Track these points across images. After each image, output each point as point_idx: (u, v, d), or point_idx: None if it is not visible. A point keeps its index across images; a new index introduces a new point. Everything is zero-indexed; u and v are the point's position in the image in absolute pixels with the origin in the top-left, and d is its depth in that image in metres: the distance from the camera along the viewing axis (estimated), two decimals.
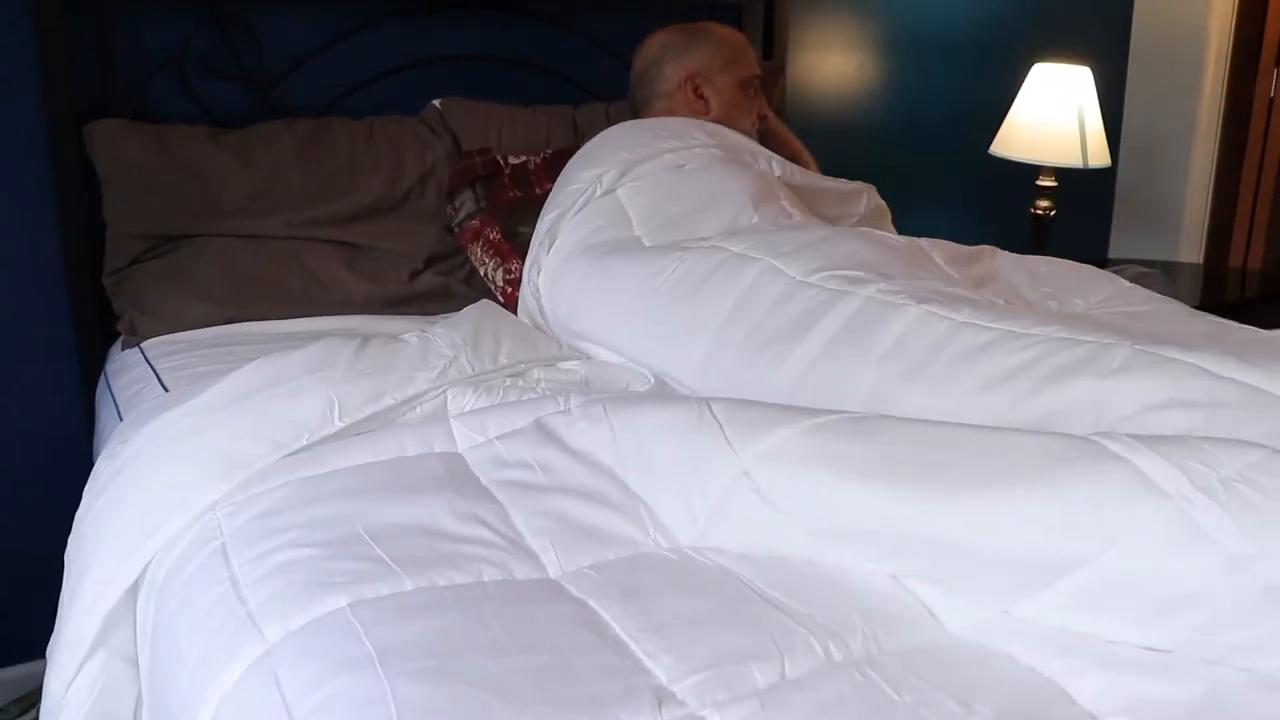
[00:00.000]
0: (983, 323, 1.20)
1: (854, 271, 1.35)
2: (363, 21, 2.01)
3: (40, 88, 1.76)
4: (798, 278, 1.36)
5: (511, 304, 1.78)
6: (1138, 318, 1.35)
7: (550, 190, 1.82)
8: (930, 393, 1.17)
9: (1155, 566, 0.86)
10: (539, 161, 1.94)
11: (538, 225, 1.71)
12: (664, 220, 1.63)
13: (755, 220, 1.58)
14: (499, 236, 1.83)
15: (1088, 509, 0.89)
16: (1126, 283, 1.49)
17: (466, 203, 1.88)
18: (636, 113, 1.96)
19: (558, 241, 1.66)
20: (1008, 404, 1.12)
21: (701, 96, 1.89)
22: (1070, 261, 1.57)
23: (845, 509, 0.99)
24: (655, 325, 1.44)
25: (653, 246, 1.57)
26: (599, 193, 1.69)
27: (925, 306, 1.24)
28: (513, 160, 1.92)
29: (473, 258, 1.87)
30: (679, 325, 1.41)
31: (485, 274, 1.84)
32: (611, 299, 1.51)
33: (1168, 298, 1.46)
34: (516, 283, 1.78)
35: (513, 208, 1.86)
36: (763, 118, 1.94)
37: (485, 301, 1.57)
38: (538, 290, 1.65)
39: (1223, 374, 1.04)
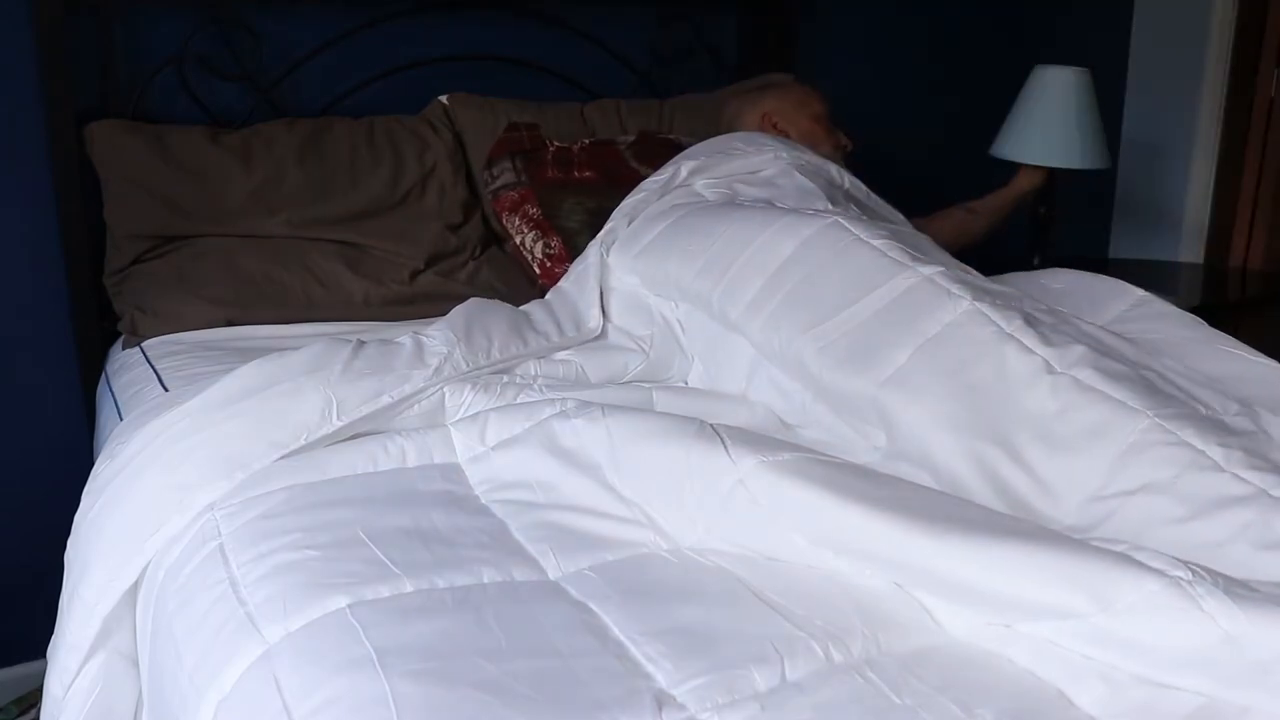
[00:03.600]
0: (1028, 343, 1.20)
1: (918, 252, 1.37)
2: (363, 21, 2.01)
3: (40, 88, 1.76)
4: (862, 236, 1.39)
5: (547, 276, 1.82)
6: (1151, 353, 1.35)
7: (590, 177, 1.89)
8: (951, 396, 1.18)
9: (1151, 632, 0.86)
10: (580, 147, 1.97)
11: (617, 210, 1.74)
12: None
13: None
14: (539, 213, 1.86)
15: (1084, 571, 0.88)
16: (1139, 293, 1.49)
17: (505, 172, 1.91)
18: None
19: (640, 216, 1.69)
20: (1020, 446, 1.12)
21: (780, 131, 1.98)
22: (1084, 274, 1.57)
23: (842, 529, 0.99)
24: (719, 261, 1.45)
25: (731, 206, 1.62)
26: (676, 184, 1.74)
27: (979, 304, 1.25)
28: (557, 143, 1.96)
29: (508, 226, 1.90)
30: (739, 264, 1.43)
31: (522, 244, 1.87)
32: (688, 241, 1.53)
33: (1180, 312, 1.45)
34: (556, 259, 1.82)
35: (552, 186, 1.89)
36: (844, 147, 2.02)
37: (474, 299, 1.58)
38: (607, 251, 1.66)
39: (1226, 468, 1.04)
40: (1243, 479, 1.03)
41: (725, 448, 1.07)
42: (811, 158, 1.80)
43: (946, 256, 1.45)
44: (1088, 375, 1.15)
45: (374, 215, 1.89)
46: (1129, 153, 3.04)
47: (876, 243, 1.37)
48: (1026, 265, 2.51)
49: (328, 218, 1.86)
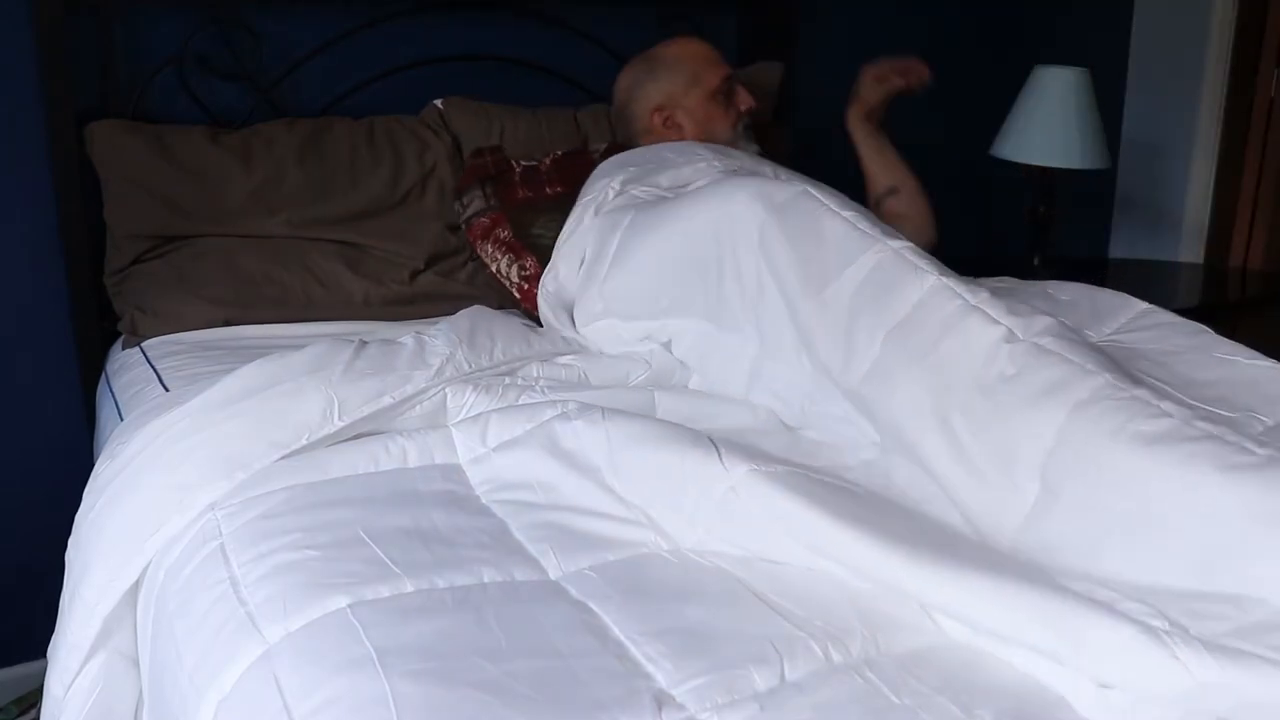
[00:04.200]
0: (993, 313, 1.20)
1: (882, 228, 1.38)
2: (363, 21, 2.01)
3: (40, 88, 1.76)
4: (833, 207, 1.39)
5: (528, 300, 1.79)
6: (1138, 358, 1.36)
7: (560, 192, 1.84)
8: (921, 379, 1.19)
9: (1125, 677, 0.86)
10: (549, 163, 1.95)
11: (560, 235, 1.72)
12: None
13: None
14: (510, 235, 1.83)
15: (1061, 617, 0.88)
16: (1143, 305, 1.49)
17: (475, 200, 1.88)
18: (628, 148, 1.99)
19: (582, 240, 1.66)
20: (983, 417, 1.12)
21: (674, 124, 1.91)
22: (1090, 287, 1.57)
23: (830, 542, 0.99)
24: (684, 258, 1.44)
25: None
26: (613, 195, 1.70)
27: (945, 279, 1.26)
28: (524, 162, 1.93)
29: (482, 255, 1.87)
30: (723, 251, 1.42)
31: (497, 270, 1.84)
32: (645, 245, 1.52)
33: (1184, 321, 1.45)
34: (533, 279, 1.79)
35: (524, 207, 1.86)
36: (747, 111, 1.93)
37: (478, 306, 1.58)
38: (558, 280, 1.65)
39: (1177, 416, 1.04)
40: (1195, 426, 1.03)
41: (719, 455, 1.08)
42: (745, 161, 1.77)
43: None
44: (1049, 342, 1.16)
45: (374, 215, 1.89)
46: (1129, 153, 3.04)
47: (846, 214, 1.37)
48: (1027, 265, 2.52)
49: (328, 218, 1.86)
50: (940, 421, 1.15)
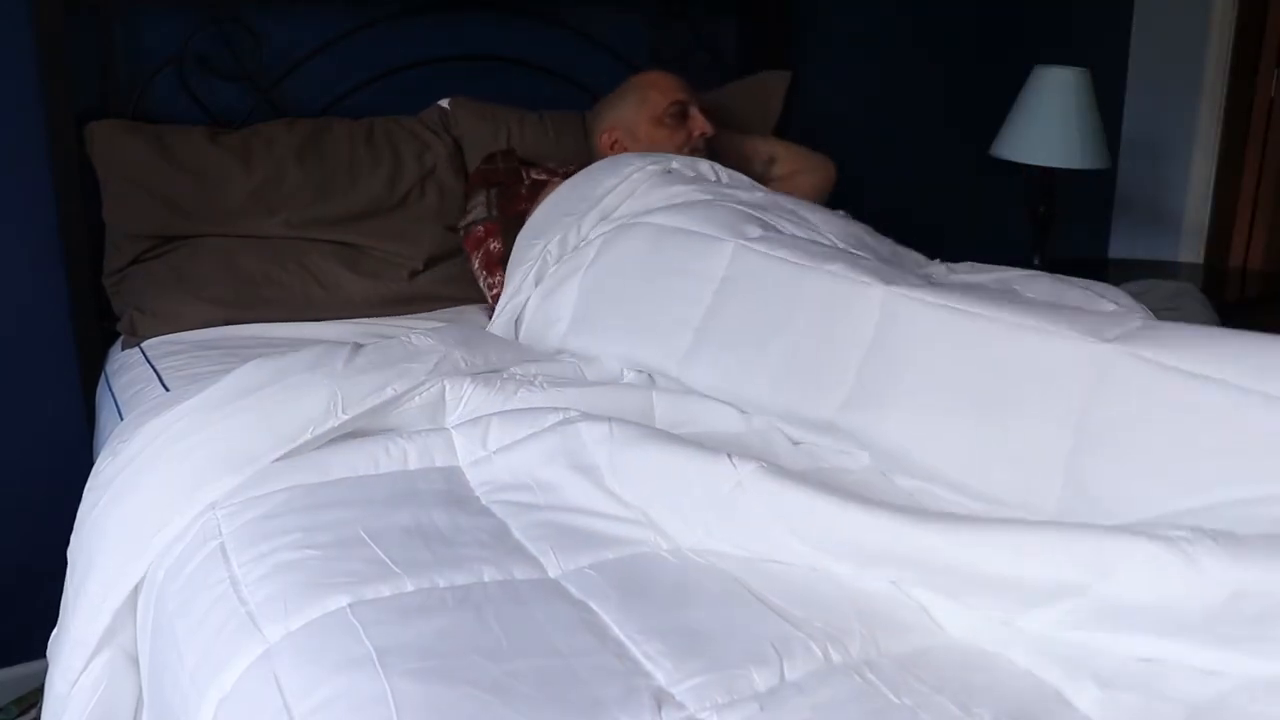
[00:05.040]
0: (962, 306, 1.21)
1: (819, 249, 1.39)
2: (363, 21, 2.01)
3: (40, 88, 1.76)
4: (775, 252, 1.41)
5: None
6: None
7: None
8: (909, 393, 1.19)
9: (1154, 596, 0.86)
10: (562, 176, 1.92)
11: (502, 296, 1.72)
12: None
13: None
14: (499, 247, 1.82)
15: (1086, 544, 0.89)
16: (1110, 306, 1.46)
17: (478, 206, 1.88)
18: None
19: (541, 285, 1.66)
20: (998, 428, 1.12)
21: (621, 147, 1.93)
22: (1061, 281, 1.55)
23: (839, 527, 1.00)
24: (644, 314, 1.46)
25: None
26: (552, 261, 1.68)
27: (894, 288, 1.26)
28: (535, 175, 1.91)
29: (472, 267, 1.87)
30: (667, 319, 1.43)
31: (481, 282, 1.85)
32: (606, 299, 1.53)
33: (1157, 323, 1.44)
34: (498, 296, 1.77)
35: (521, 220, 1.85)
36: (700, 136, 1.93)
37: (465, 324, 1.58)
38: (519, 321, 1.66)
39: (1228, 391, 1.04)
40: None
41: (728, 453, 1.08)
42: (672, 161, 1.78)
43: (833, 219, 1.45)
44: (1032, 321, 1.15)
45: (373, 216, 1.89)
46: (1129, 153, 3.04)
47: (779, 253, 1.39)
48: (1027, 265, 2.51)
49: (327, 218, 1.86)
50: (938, 434, 1.15)
